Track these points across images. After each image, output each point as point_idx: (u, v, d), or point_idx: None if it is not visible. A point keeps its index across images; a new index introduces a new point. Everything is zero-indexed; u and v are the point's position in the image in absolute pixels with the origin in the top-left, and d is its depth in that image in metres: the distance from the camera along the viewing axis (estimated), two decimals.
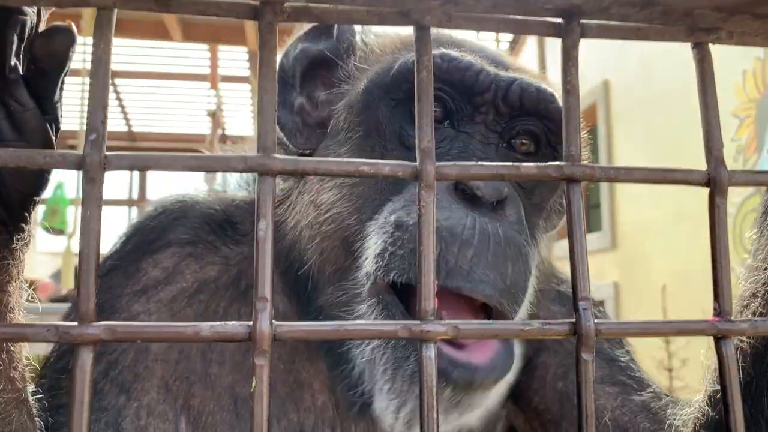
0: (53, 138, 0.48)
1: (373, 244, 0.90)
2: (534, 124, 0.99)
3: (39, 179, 0.50)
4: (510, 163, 0.44)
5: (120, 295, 0.99)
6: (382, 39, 1.10)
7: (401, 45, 1.05)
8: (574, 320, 0.42)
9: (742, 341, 0.65)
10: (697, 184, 0.45)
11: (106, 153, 0.40)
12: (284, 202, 1.06)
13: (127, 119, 9.55)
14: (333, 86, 1.08)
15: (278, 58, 1.05)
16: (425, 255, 0.42)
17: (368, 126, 0.98)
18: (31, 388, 0.63)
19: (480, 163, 0.43)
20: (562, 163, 0.43)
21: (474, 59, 0.96)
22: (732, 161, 3.67)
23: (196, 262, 1.04)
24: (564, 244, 0.51)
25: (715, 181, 0.44)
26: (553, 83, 1.10)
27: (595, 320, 0.42)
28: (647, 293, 4.59)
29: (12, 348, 0.60)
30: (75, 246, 6.02)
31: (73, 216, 6.28)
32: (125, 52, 8.17)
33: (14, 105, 0.47)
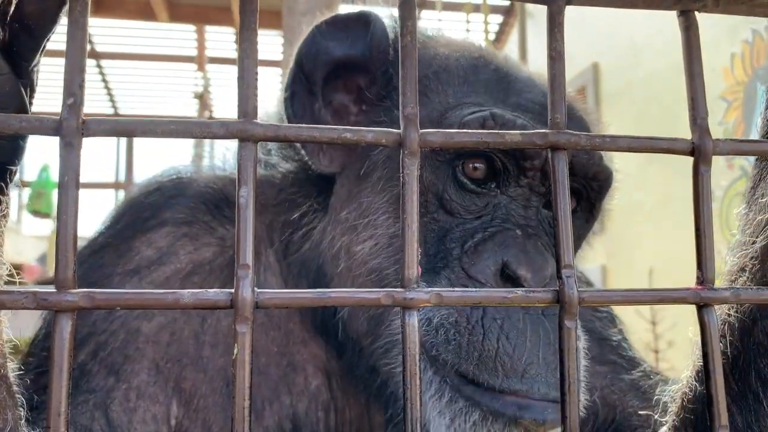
0: (28, 104, 0.47)
1: (423, 315, 0.84)
2: (578, 182, 0.95)
3: (14, 148, 0.49)
4: (495, 131, 0.43)
5: (111, 275, 0.97)
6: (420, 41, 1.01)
7: (449, 73, 0.96)
8: (557, 288, 0.42)
9: (729, 315, 0.66)
10: (682, 152, 0.45)
11: (84, 118, 0.39)
12: (308, 234, 1.01)
13: (113, 101, 9.45)
14: (361, 97, 0.99)
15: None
16: (408, 224, 0.42)
17: None
18: (12, 365, 0.62)
19: (464, 131, 0.43)
20: (546, 131, 0.43)
21: (527, 121, 0.89)
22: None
23: (191, 242, 1.02)
24: None
25: (699, 149, 0.44)
26: (588, 111, 1.07)
27: (579, 288, 0.42)
28: (635, 276, 4.63)
29: None
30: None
31: None
32: (111, 33, 8.07)
33: None
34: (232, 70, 8.46)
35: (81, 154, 0.39)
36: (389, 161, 0.94)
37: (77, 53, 0.40)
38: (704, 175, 0.44)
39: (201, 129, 0.40)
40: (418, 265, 0.41)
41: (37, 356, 0.92)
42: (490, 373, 0.79)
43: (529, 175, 0.91)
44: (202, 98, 7.53)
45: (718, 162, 3.80)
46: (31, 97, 0.48)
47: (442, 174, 0.90)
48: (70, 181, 0.39)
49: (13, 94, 0.47)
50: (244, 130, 0.40)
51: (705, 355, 0.43)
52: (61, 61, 0.39)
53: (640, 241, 4.55)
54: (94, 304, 0.38)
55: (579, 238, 1.00)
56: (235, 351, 0.39)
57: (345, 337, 0.97)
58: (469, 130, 0.43)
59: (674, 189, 4.04)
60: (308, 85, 0.98)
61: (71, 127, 0.39)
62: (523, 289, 0.42)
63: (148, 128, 0.40)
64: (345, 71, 0.99)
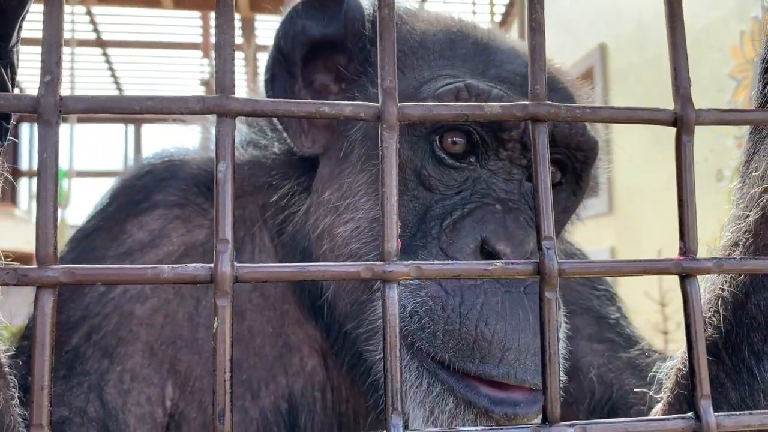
0: (8, 84, 0.48)
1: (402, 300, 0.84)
2: (561, 153, 0.94)
3: None
4: (474, 104, 0.43)
5: (103, 257, 0.97)
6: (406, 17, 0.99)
7: (426, 48, 0.94)
8: (537, 260, 0.42)
9: (723, 290, 0.65)
10: (664, 123, 0.44)
11: (61, 95, 0.39)
12: (294, 215, 1.01)
13: (120, 90, 9.47)
14: (340, 75, 0.98)
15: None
16: (388, 196, 0.42)
17: None
18: (3, 345, 0.63)
19: (443, 104, 0.43)
20: (527, 102, 0.43)
21: (503, 90, 0.88)
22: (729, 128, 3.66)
23: (183, 225, 1.02)
24: None
25: (682, 119, 0.44)
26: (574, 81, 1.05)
27: (559, 260, 0.42)
28: (644, 258, 4.59)
29: None
30: (70, 217, 6.01)
31: (67, 187, 6.25)
32: (116, 21, 8.06)
33: None
34: (238, 57, 8.45)
35: (59, 131, 0.40)
36: (366, 140, 0.93)
37: (54, 31, 0.40)
38: (686, 145, 0.44)
39: (179, 105, 0.40)
40: (398, 239, 0.41)
41: (29, 339, 0.93)
42: (465, 359, 0.78)
43: (509, 147, 0.90)
44: (208, 85, 7.52)
45: (727, 141, 3.77)
46: (13, 78, 0.48)
47: (419, 149, 0.90)
48: (49, 159, 0.39)
49: None
50: (221, 105, 0.40)
51: (688, 326, 0.43)
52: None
53: (649, 223, 4.52)
54: (75, 279, 0.39)
55: (566, 211, 0.99)
56: (215, 324, 0.39)
57: (331, 320, 0.98)
58: (449, 103, 0.43)
59: None
60: (287, 66, 0.97)
61: (49, 104, 0.39)
62: (503, 261, 0.42)
63: (125, 105, 0.40)
64: (324, 50, 0.98)
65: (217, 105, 0.40)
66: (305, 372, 1.00)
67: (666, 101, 0.43)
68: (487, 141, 0.89)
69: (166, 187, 1.04)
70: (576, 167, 0.95)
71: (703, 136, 3.64)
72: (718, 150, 3.79)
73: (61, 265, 0.38)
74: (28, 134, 9.40)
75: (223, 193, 0.40)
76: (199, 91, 8.75)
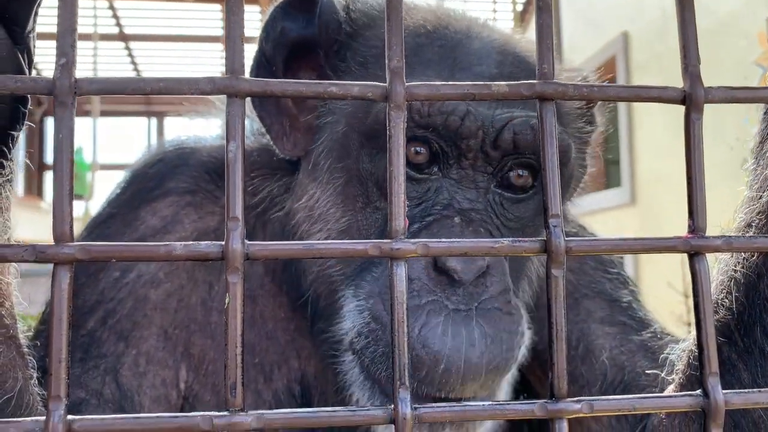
0: (26, 68, 0.49)
1: (350, 318, 0.88)
2: (531, 158, 0.91)
3: (14, 112, 0.50)
4: (481, 83, 0.43)
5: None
6: (370, 14, 0.98)
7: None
8: (544, 238, 0.42)
9: (736, 271, 0.65)
10: (673, 101, 0.44)
11: (76, 77, 0.40)
12: (280, 214, 1.03)
13: None
14: (323, 75, 0.98)
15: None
16: (395, 176, 0.42)
17: (349, 174, 0.92)
18: (21, 326, 0.65)
19: (450, 83, 0.43)
20: (534, 82, 0.43)
21: (459, 101, 0.85)
22: (755, 110, 3.60)
23: (195, 211, 1.03)
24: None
25: (690, 97, 0.44)
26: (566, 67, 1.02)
27: (566, 238, 0.42)
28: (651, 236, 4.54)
29: None
30: (94, 209, 6.10)
31: (91, 180, 6.34)
32: (138, 15, 8.14)
33: None
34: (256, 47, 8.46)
35: (74, 112, 0.41)
36: (331, 153, 0.94)
37: (69, 15, 0.41)
38: (695, 123, 0.44)
39: (189, 86, 0.41)
40: (405, 217, 0.42)
41: (47, 324, 0.96)
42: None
43: (469, 156, 0.88)
44: None
45: (754, 129, 3.71)
46: (29, 62, 0.50)
47: (381, 162, 0.89)
48: (65, 139, 0.40)
49: (10, 59, 0.48)
50: (231, 86, 0.41)
51: (696, 305, 0.43)
52: (84, 43, 0.40)
53: (672, 213, 4.47)
54: (90, 256, 0.40)
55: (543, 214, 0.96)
56: (227, 300, 0.40)
57: (314, 314, 0.99)
58: (455, 83, 0.43)
59: (705, 160, 3.94)
60: (270, 67, 0.97)
61: (64, 86, 0.40)
62: (510, 239, 0.42)
63: (138, 86, 0.41)
64: (306, 50, 0.98)
65: (227, 86, 0.40)
66: (318, 355, 1.01)
67: None
68: (447, 151, 0.88)
69: (177, 174, 1.05)
70: None
71: (729, 124, 3.59)
72: (744, 139, 3.73)
73: (77, 243, 0.40)
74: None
75: (234, 173, 0.41)
76: None
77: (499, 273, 0.85)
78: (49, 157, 9.80)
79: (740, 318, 0.64)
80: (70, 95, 0.40)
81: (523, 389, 1.05)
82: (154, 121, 10.22)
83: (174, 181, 1.04)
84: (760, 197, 0.63)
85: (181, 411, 0.96)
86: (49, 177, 9.87)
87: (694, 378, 0.66)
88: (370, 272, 0.88)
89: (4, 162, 0.53)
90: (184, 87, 0.41)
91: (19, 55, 0.48)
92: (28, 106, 0.50)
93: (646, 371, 0.91)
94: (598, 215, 5.18)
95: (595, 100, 0.67)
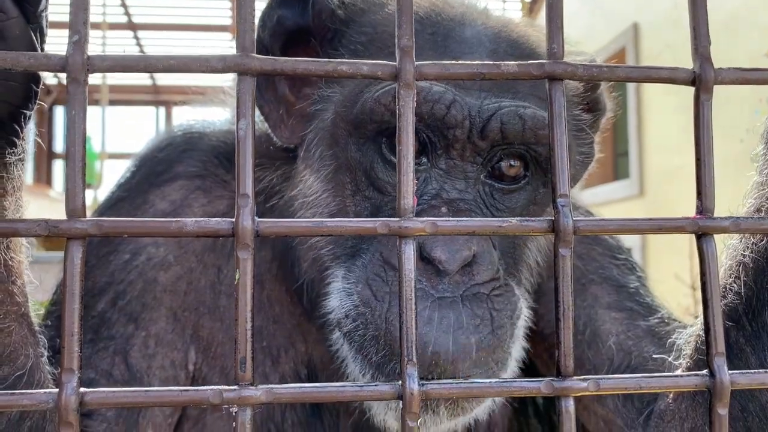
0: (38, 47, 0.49)
1: (338, 297, 0.88)
2: (521, 148, 0.90)
3: (26, 91, 0.51)
4: (491, 62, 0.43)
5: None
6: (364, 6, 0.97)
7: (380, 35, 0.93)
8: (552, 218, 0.43)
9: (744, 256, 0.65)
10: (683, 82, 0.44)
11: (89, 54, 0.41)
12: (281, 201, 1.03)
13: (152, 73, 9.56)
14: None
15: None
16: (404, 155, 0.42)
17: (338, 162, 0.92)
18: (32, 305, 0.65)
19: (460, 62, 0.43)
20: (543, 61, 0.43)
21: (444, 88, 0.85)
22: (766, 102, 3.58)
23: (204, 195, 1.03)
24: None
25: (700, 78, 0.44)
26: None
27: (574, 218, 0.42)
28: (675, 240, 4.54)
29: (11, 262, 0.61)
30: (102, 197, 6.14)
31: (99, 168, 6.37)
32: (147, 3, 8.14)
33: None
34: None
35: (87, 89, 0.41)
36: (321, 141, 0.94)
37: None
38: (705, 104, 0.44)
39: (200, 64, 0.41)
40: (414, 195, 0.42)
41: (58, 305, 0.96)
42: (390, 362, 0.81)
43: (457, 146, 0.88)
44: None
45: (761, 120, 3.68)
46: (42, 41, 0.50)
47: (368, 151, 0.89)
48: (77, 116, 0.41)
49: (23, 37, 0.49)
50: (242, 64, 0.41)
51: (704, 285, 0.44)
52: (94, 32, 0.41)
53: (682, 206, 4.45)
54: (103, 231, 0.40)
55: (537, 203, 0.94)
56: (237, 276, 0.40)
57: (308, 302, 0.99)
58: (465, 62, 0.43)
59: (715, 152, 3.92)
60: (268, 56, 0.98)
61: (77, 63, 0.40)
62: (518, 219, 0.43)
63: (149, 63, 0.41)
64: (302, 39, 0.98)
65: (237, 63, 0.41)
66: (323, 340, 1.02)
67: None
68: (434, 141, 0.88)
69: (186, 159, 1.05)
70: (540, 161, 0.92)
71: (739, 116, 3.56)
72: (755, 131, 3.70)
73: (90, 218, 0.40)
74: (63, 118, 9.57)
75: (244, 150, 0.41)
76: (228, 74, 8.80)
77: (486, 263, 0.85)
78: (58, 146, 9.85)
79: (749, 302, 0.64)
80: (83, 72, 0.40)
81: (531, 375, 1.05)
82: (162, 110, 10.24)
83: (183, 166, 1.04)
84: None
85: None
86: (58, 165, 9.92)
87: (702, 362, 0.66)
88: (360, 257, 0.88)
89: (17, 141, 0.53)
90: (194, 65, 0.41)
91: (32, 34, 0.48)
92: (40, 85, 0.51)
93: (653, 356, 0.91)
94: (606, 207, 5.16)
95: (604, 81, 0.66)
